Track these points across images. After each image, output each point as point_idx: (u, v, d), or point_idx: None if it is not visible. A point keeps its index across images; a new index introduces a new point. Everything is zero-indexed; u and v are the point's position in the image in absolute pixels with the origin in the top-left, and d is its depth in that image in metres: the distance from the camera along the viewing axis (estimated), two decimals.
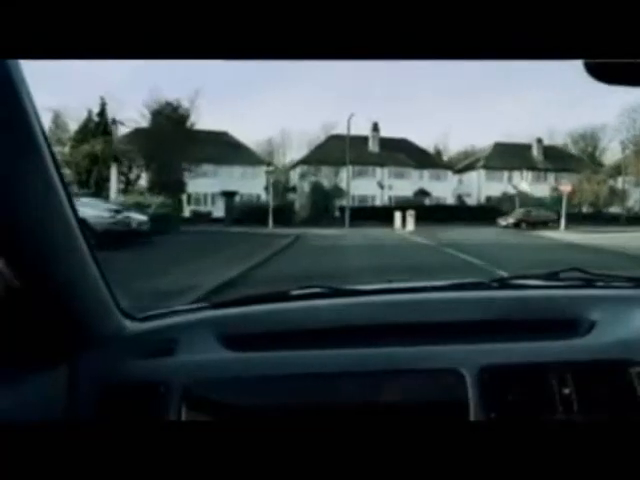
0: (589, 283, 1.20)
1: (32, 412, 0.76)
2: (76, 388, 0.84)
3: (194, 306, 1.11)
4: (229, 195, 30.98)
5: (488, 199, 37.79)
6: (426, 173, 38.00)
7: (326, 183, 32.14)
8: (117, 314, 0.94)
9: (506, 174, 39.62)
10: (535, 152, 41.22)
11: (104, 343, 0.90)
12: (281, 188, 35.77)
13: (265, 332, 0.98)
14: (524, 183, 39.22)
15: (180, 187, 26.53)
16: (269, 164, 36.00)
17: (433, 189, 37.16)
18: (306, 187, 31.94)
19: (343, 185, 30.19)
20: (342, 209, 29.22)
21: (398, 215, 26.33)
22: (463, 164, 42.69)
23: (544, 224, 26.04)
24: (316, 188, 31.32)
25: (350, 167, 31.15)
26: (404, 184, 36.14)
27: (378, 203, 35.16)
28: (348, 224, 27.39)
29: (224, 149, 32.19)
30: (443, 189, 37.43)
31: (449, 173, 38.90)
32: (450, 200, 37.54)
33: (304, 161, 33.91)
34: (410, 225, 24.35)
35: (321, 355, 0.90)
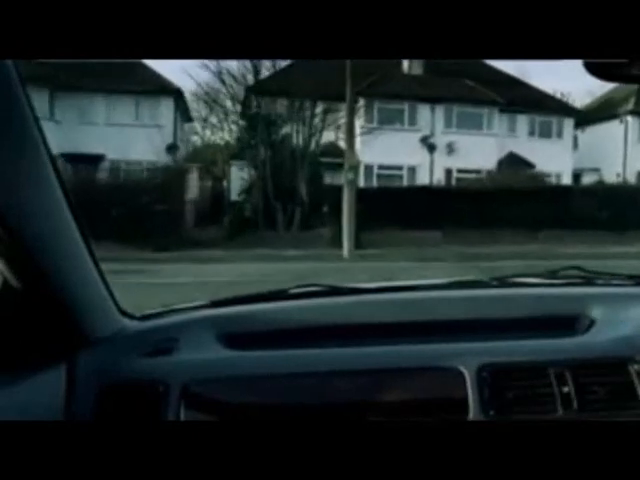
0: (589, 281, 1.36)
1: (32, 411, 0.84)
2: (76, 387, 0.92)
3: (193, 305, 1.21)
4: (84, 161, 15.65)
5: None
6: (523, 121, 21.73)
7: (301, 136, 16.06)
8: (116, 313, 1.04)
9: None
10: None
11: (103, 342, 0.98)
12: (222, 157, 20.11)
13: (264, 331, 1.07)
14: None
15: None
16: (179, 93, 19.65)
17: (535, 155, 20.85)
18: (260, 147, 15.86)
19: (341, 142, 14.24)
20: (336, 195, 13.14)
21: None
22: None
23: None
24: (277, 148, 15.28)
25: (361, 102, 15.33)
26: (478, 142, 20.13)
27: (423, 180, 19.11)
28: (351, 245, 11.67)
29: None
30: (555, 155, 21.09)
31: (568, 123, 22.47)
32: (566, 178, 21.55)
33: (259, 90, 17.29)
34: None
35: (320, 353, 1.00)
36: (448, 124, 20.58)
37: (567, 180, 21.49)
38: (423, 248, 12.17)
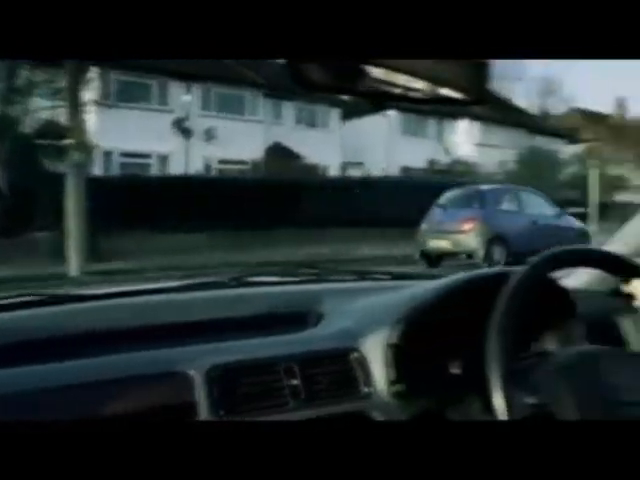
0: (321, 277, 1.63)
1: None
2: None
3: None
4: None
5: (405, 171, 23.67)
6: (289, 108, 21.37)
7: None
8: None
9: (433, 125, 25.40)
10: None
11: None
12: None
13: None
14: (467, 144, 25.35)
15: None
16: None
17: (303, 145, 20.59)
18: None
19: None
20: (62, 187, 10.09)
21: None
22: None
23: None
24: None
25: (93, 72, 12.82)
26: (241, 129, 19.13)
27: (178, 171, 17.14)
28: (83, 258, 9.04)
29: None
30: (322, 146, 21.32)
31: (334, 114, 22.83)
32: (334, 170, 21.81)
33: None
34: None
35: (35, 370, 0.96)
36: (206, 106, 19.05)
37: (335, 173, 21.65)
38: (185, 256, 10.04)
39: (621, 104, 34.57)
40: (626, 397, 0.91)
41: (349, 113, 24.23)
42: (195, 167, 18.09)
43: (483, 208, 10.50)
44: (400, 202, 16.17)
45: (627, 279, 0.94)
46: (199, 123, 18.58)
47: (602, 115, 34.22)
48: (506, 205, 10.96)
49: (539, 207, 11.33)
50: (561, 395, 0.89)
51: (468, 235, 10.03)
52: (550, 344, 1.19)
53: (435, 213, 10.67)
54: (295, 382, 1.02)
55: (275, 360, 1.03)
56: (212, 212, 13.01)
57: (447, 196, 10.95)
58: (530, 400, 0.86)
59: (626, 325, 1.17)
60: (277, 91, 19.93)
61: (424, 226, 10.60)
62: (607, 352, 1.01)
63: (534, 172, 23.51)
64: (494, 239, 10.10)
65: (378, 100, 0.82)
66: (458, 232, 10.06)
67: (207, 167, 18.62)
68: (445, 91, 0.79)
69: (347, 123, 24.01)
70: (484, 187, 11.67)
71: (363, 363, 1.07)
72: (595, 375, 0.94)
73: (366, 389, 1.05)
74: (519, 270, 0.93)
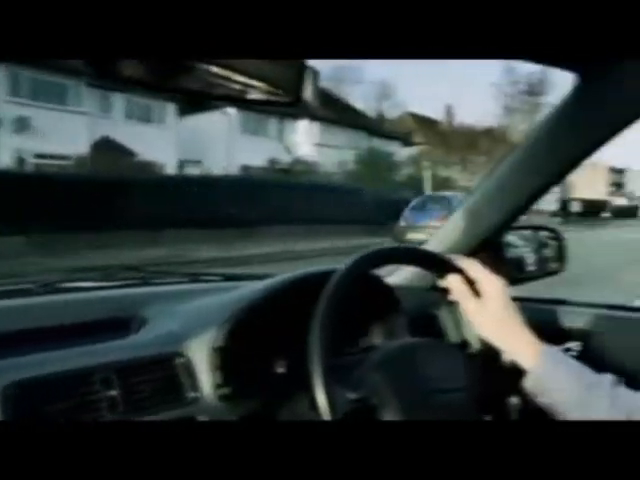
0: (144, 281, 1.60)
1: None
2: None
3: None
4: None
5: (245, 170, 23.75)
6: (119, 101, 20.56)
7: None
8: None
9: (273, 124, 25.73)
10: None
11: None
12: None
13: None
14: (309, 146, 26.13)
15: None
16: None
17: (136, 141, 19.80)
18: None
19: None
20: None
21: None
22: None
23: None
24: None
25: None
26: (62, 121, 17.93)
27: None
28: None
29: None
30: (157, 143, 20.77)
31: (170, 109, 22.18)
32: (171, 169, 21.23)
33: None
34: None
35: None
36: (16, 93, 17.32)
37: (171, 171, 21.03)
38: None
39: (449, 111, 37.94)
40: (442, 385, 0.97)
41: (187, 109, 23.69)
42: (4, 161, 16.27)
43: (450, 210, 12.94)
44: (241, 201, 16.25)
45: (443, 275, 1.02)
46: (7, 111, 16.86)
47: (432, 120, 37.27)
48: None
49: None
50: (381, 388, 0.92)
51: None
52: (376, 339, 1.24)
53: (409, 214, 14.55)
54: (113, 393, 0.99)
55: (89, 370, 0.99)
56: (28, 212, 11.92)
57: (417, 201, 15.10)
58: (352, 395, 0.88)
59: (443, 318, 1.26)
60: (104, 81, 18.94)
61: (402, 223, 14.24)
62: (426, 344, 1.06)
63: (372, 172, 24.91)
64: None
65: (195, 98, 0.80)
66: (433, 227, 12.58)
67: (20, 161, 16.91)
68: (265, 90, 0.78)
69: (185, 119, 23.46)
70: (447, 194, 15.80)
71: (189, 367, 1.06)
72: (414, 366, 0.98)
73: (192, 394, 1.05)
74: (340, 269, 0.94)
